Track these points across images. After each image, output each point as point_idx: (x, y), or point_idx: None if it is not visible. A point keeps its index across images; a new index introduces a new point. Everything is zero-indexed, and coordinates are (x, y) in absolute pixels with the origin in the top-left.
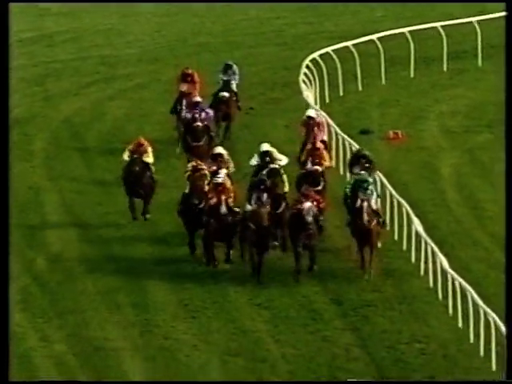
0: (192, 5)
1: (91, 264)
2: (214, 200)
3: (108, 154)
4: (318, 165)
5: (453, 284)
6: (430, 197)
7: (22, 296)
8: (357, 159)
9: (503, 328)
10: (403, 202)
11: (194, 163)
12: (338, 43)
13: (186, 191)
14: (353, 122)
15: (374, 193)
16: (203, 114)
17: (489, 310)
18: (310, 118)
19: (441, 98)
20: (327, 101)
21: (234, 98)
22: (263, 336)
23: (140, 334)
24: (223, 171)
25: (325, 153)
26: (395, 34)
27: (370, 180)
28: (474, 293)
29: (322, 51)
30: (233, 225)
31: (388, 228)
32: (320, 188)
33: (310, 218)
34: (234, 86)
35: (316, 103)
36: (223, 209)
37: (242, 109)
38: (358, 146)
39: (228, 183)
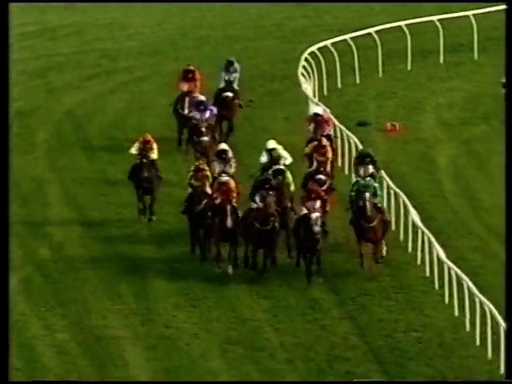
0: (191, 5)
1: (93, 254)
2: (219, 200)
3: (109, 146)
4: (323, 161)
5: (449, 274)
6: (426, 187)
7: (25, 285)
8: (361, 158)
9: (499, 317)
10: (400, 192)
11: (196, 163)
12: (336, 36)
13: (190, 191)
14: (350, 114)
15: (380, 195)
16: (207, 113)
17: (484, 299)
18: (317, 114)
19: (437, 90)
20: (325, 93)
21: (237, 100)
22: (262, 325)
23: (141, 323)
24: (230, 170)
25: (329, 149)
26: (392, 28)
27: (377, 185)
28: (469, 282)
29: (321, 44)
30: (237, 225)
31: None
32: (325, 188)
33: (317, 228)
34: (235, 85)
35: (314, 95)
36: (229, 216)
37: (243, 106)
38: (355, 139)
39: (232, 183)
